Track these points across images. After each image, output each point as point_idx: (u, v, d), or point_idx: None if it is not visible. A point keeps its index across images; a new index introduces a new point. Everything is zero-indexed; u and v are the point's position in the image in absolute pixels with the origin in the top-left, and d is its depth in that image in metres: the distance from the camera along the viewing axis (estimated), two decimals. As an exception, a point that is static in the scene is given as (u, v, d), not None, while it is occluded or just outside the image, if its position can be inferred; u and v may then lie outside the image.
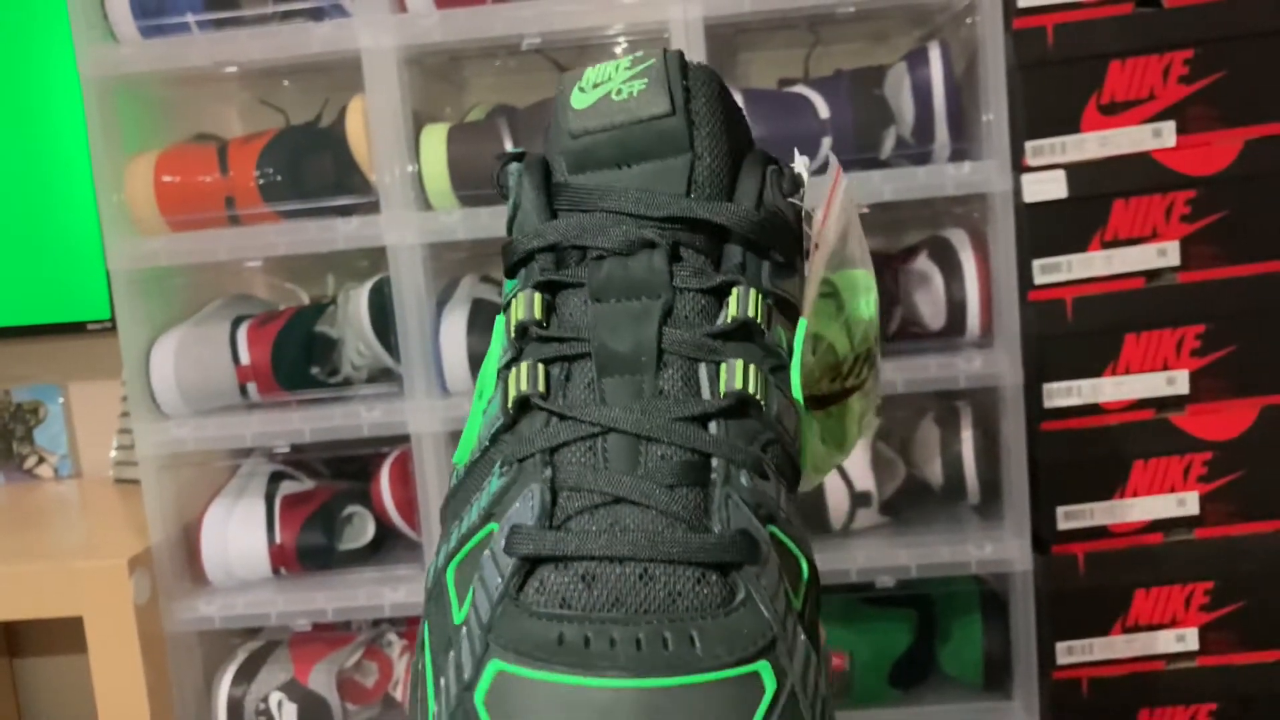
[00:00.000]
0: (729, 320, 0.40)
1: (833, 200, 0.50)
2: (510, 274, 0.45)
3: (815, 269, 0.46)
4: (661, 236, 0.40)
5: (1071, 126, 1.11)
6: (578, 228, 0.41)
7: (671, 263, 0.40)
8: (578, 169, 0.43)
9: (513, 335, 0.42)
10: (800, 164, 0.49)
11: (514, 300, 0.42)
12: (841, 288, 0.51)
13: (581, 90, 0.42)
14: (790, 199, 0.44)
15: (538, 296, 0.42)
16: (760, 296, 0.40)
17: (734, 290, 0.40)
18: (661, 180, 0.41)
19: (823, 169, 0.55)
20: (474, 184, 1.14)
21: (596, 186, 0.42)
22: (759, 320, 0.40)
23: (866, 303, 0.52)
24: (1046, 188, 1.11)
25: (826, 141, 1.14)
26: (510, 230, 0.45)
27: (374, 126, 1.13)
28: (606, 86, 0.42)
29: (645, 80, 0.41)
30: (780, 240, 0.42)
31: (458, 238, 1.14)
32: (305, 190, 1.17)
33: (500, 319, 0.44)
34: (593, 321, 0.40)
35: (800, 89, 1.16)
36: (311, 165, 1.19)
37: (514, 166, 0.45)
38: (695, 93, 0.42)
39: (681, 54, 0.43)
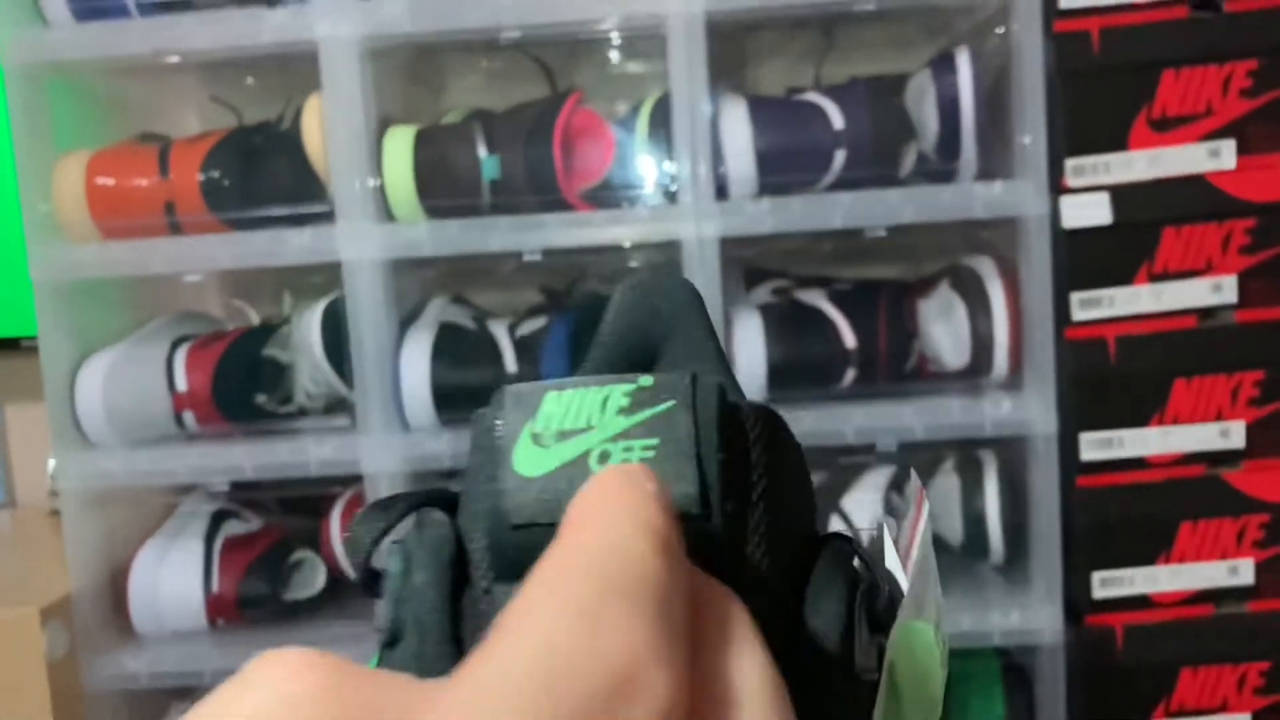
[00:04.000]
0: None
1: (914, 539, 0.33)
2: None
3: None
4: None
5: (1118, 143, 0.99)
6: None
7: None
8: (512, 576, 0.24)
9: None
10: (890, 539, 0.32)
11: None
12: (902, 674, 0.33)
13: (535, 437, 0.24)
14: (881, 637, 0.27)
15: None
16: None
17: None
18: None
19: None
20: (444, 193, 1.02)
21: None
22: None
23: (936, 697, 0.34)
24: (1088, 212, 0.99)
25: (840, 155, 1.02)
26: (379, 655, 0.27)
27: (331, 125, 1.00)
28: (582, 441, 0.24)
29: (654, 440, 0.24)
30: None
31: (423, 254, 1.02)
32: (255, 197, 1.05)
33: None
34: None
35: (812, 96, 1.04)
36: (263, 169, 1.07)
37: (395, 550, 0.27)
38: (741, 465, 0.24)
39: (721, 390, 0.25)
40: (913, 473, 0.35)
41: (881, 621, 0.27)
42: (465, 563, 0.26)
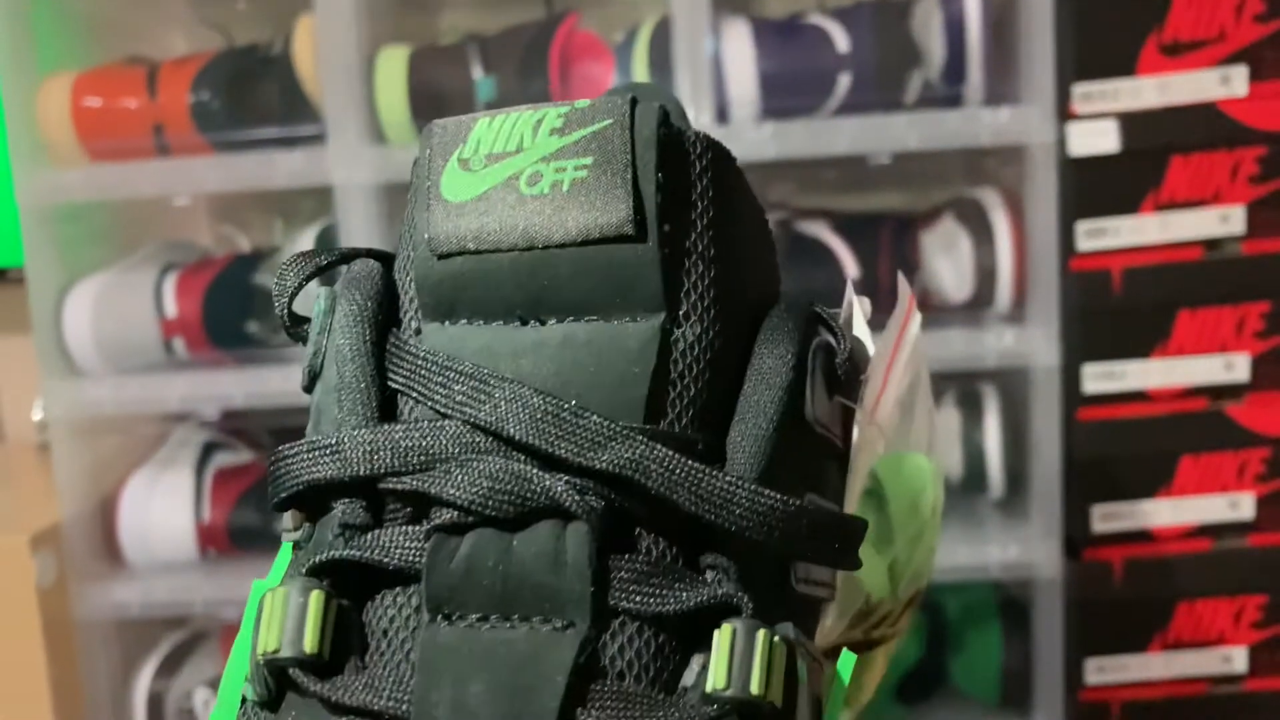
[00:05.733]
0: (708, 695, 0.21)
1: (898, 352, 0.31)
2: (281, 510, 0.26)
3: (860, 465, 0.28)
4: (583, 497, 0.22)
5: (1127, 68, 0.96)
6: (419, 451, 0.22)
7: (600, 554, 0.22)
8: (440, 314, 0.24)
9: (263, 680, 0.23)
10: (859, 309, 0.30)
11: (271, 602, 0.23)
12: (890, 490, 0.31)
13: (463, 162, 0.24)
14: (842, 398, 0.26)
15: (316, 602, 0.22)
16: (770, 644, 0.21)
17: (725, 629, 0.21)
18: (598, 368, 0.22)
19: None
20: (438, 115, 0.99)
21: (469, 365, 0.22)
22: (764, 695, 0.21)
23: (926, 517, 0.32)
24: (1096, 140, 0.97)
25: (844, 79, 1.00)
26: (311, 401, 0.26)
27: (323, 41, 0.98)
28: (512, 163, 0.23)
29: (588, 160, 0.23)
30: (822, 538, 0.24)
31: (417, 178, 0.99)
32: (246, 120, 1.03)
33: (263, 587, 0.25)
34: (427, 667, 0.22)
35: (816, 18, 1.02)
36: (255, 92, 1.05)
37: (323, 292, 0.26)
38: (681, 189, 0.24)
39: (663, 111, 0.24)
40: (899, 274, 0.34)
41: (839, 382, 0.26)
42: (396, 308, 0.25)
